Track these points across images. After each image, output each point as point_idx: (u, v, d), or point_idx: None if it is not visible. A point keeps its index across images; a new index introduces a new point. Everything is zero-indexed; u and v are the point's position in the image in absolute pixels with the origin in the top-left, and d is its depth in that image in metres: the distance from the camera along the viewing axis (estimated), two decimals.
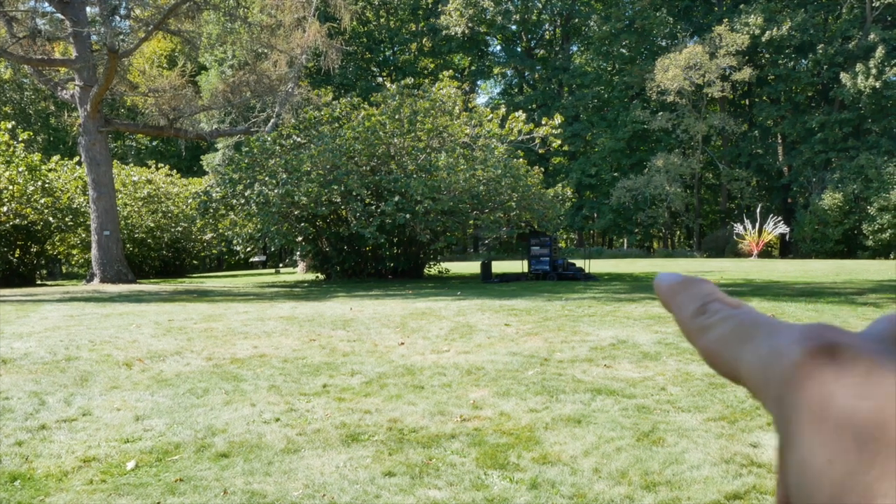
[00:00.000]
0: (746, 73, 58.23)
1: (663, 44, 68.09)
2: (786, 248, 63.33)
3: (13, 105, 67.65)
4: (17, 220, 33.53)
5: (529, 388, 8.63)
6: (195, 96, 37.22)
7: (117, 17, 33.93)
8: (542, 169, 44.79)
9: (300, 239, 31.86)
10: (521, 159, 32.94)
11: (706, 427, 7.01)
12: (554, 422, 7.29)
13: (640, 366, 9.67)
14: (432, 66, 74.69)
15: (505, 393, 8.46)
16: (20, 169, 34.17)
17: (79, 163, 39.00)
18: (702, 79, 59.00)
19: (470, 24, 68.41)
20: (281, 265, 57.05)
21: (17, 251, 35.43)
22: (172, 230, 46.33)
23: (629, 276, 30.59)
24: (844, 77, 54.61)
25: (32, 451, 6.63)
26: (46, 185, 35.16)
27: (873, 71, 53.42)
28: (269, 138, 31.69)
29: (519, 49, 76.63)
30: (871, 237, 51.43)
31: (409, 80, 33.51)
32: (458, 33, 68.73)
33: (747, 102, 69.52)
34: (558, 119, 35.26)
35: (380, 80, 73.76)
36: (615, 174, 68.16)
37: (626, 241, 74.09)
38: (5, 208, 33.01)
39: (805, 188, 60.98)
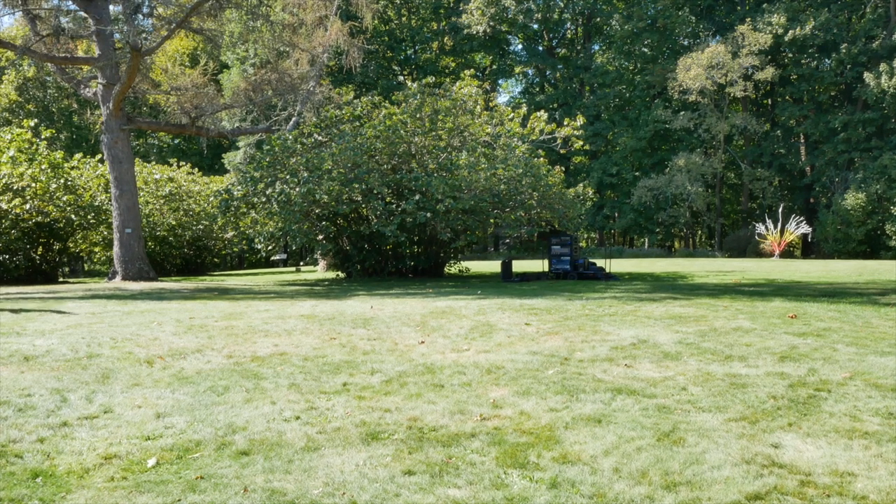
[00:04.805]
0: (769, 73, 57.86)
1: (685, 43, 67.75)
2: (808, 249, 63.02)
3: (36, 103, 68.16)
4: (40, 218, 33.72)
5: (549, 387, 8.62)
6: (217, 94, 37.34)
7: (140, 16, 34.05)
8: (563, 168, 44.75)
9: (321, 237, 31.88)
10: (541, 158, 32.91)
11: (727, 427, 6.99)
12: (574, 421, 7.28)
13: (660, 366, 9.64)
14: (454, 64, 74.74)
15: (525, 392, 8.46)
16: (43, 166, 34.38)
17: (101, 160, 39.28)
18: (724, 78, 58.71)
19: (491, 23, 68.31)
20: (301, 263, 57.14)
21: (40, 248, 35.64)
22: (194, 228, 46.52)
23: (650, 275, 30.49)
24: (868, 77, 54.14)
25: (54, 447, 6.67)
26: (69, 183, 35.36)
27: None
28: (290, 137, 31.76)
29: (540, 48, 76.47)
30: (894, 237, 51.02)
31: (431, 79, 33.58)
32: (479, 32, 68.66)
33: (770, 102, 69.15)
34: (580, 120, 35.20)
35: (401, 78, 73.86)
36: (636, 173, 67.95)
37: (647, 240, 73.78)
38: (28, 206, 33.20)
39: (828, 188, 60.59)
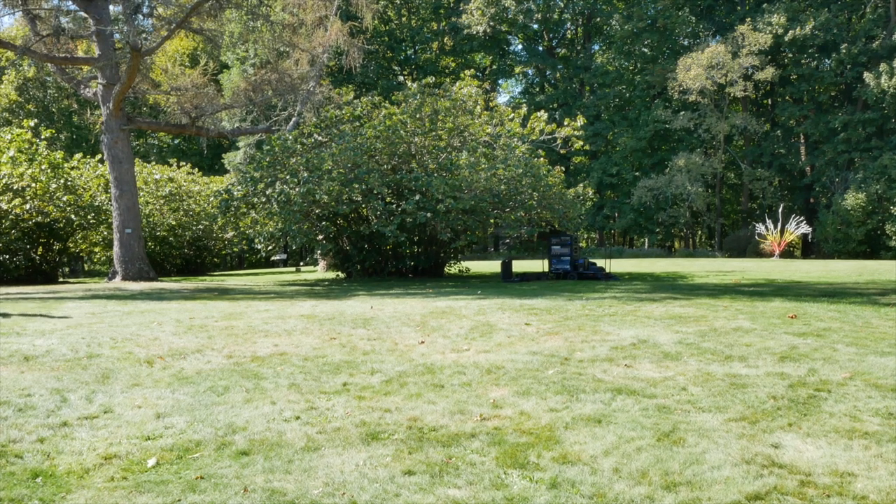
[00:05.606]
0: (769, 73, 57.85)
1: (685, 43, 67.73)
2: (808, 249, 63.01)
3: (36, 103, 68.14)
4: (40, 218, 33.73)
5: (549, 387, 8.62)
6: (217, 95, 37.33)
7: (140, 16, 34.07)
8: (563, 168, 44.75)
9: (321, 237, 31.87)
10: (541, 158, 32.91)
11: (727, 427, 6.99)
12: (574, 421, 7.28)
13: (660, 366, 9.64)
14: (453, 65, 74.73)
15: (525, 392, 8.45)
16: (43, 167, 34.41)
17: (101, 161, 39.28)
18: (724, 78, 58.70)
19: (491, 23, 68.32)
20: (301, 263, 57.16)
21: (40, 248, 35.64)
22: (194, 228, 46.55)
23: (650, 275, 30.48)
24: (868, 77, 54.12)
25: (54, 447, 6.67)
26: (69, 183, 35.38)
27: None
28: (290, 137, 31.75)
29: (540, 48, 76.50)
30: (894, 237, 50.99)
31: (431, 79, 33.57)
32: (479, 32, 68.67)
33: (770, 102, 69.12)
34: (581, 121, 35.20)
35: (401, 78, 73.86)
36: (636, 174, 67.93)
37: (647, 240, 73.78)
38: (28, 206, 33.21)
39: (828, 188, 60.57)
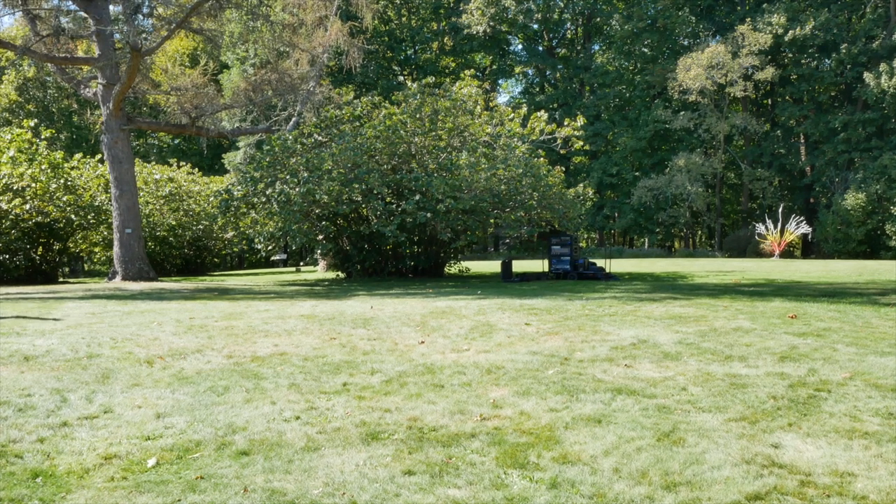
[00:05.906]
0: (769, 73, 57.83)
1: (685, 43, 67.70)
2: (808, 249, 62.98)
3: (36, 103, 68.09)
4: (40, 218, 33.72)
5: (549, 387, 8.61)
6: (217, 95, 37.30)
7: (140, 16, 34.06)
8: (563, 168, 44.76)
9: (321, 237, 31.86)
10: (541, 158, 32.91)
11: (727, 427, 6.99)
12: (574, 421, 7.28)
13: (660, 366, 9.64)
14: (454, 65, 74.70)
15: (525, 392, 8.45)
16: (43, 167, 34.40)
17: (101, 161, 39.26)
18: (724, 78, 58.68)
19: (491, 23, 68.31)
20: (301, 263, 57.10)
21: (40, 248, 35.63)
22: (194, 228, 46.55)
23: (650, 275, 30.47)
24: (868, 77, 54.10)
25: (54, 447, 6.66)
26: (69, 183, 35.37)
27: None
28: (290, 137, 31.74)
29: (540, 48, 76.48)
30: (894, 237, 50.96)
31: (431, 79, 33.52)
32: (479, 32, 68.66)
33: (770, 102, 69.10)
34: (581, 121, 35.18)
35: (401, 78, 73.84)
36: (636, 174, 67.92)
37: (647, 240, 73.74)
38: (28, 206, 33.20)
39: (828, 188, 60.55)
